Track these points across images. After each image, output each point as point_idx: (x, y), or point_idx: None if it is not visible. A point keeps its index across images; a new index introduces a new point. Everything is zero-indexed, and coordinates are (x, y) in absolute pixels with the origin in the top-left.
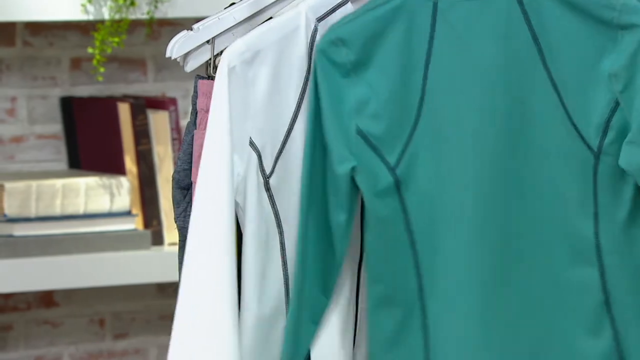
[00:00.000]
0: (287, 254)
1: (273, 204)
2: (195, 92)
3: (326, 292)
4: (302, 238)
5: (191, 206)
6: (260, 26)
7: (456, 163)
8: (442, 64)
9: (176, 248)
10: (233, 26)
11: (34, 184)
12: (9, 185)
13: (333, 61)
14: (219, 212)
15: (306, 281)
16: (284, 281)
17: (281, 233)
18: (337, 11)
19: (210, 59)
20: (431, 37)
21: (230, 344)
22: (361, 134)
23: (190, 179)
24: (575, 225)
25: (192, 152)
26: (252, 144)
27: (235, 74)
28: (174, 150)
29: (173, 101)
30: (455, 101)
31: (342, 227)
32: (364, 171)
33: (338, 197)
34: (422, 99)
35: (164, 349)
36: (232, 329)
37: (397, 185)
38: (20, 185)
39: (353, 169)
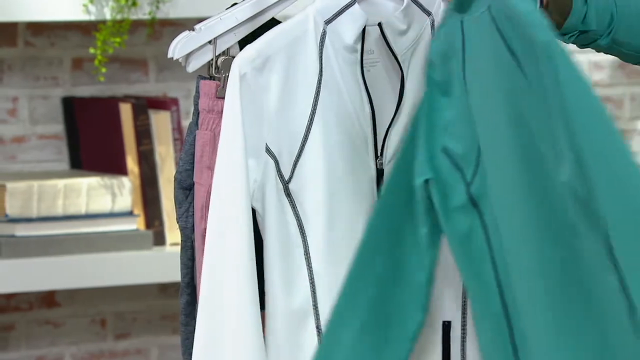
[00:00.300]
0: (311, 258)
1: (294, 208)
2: (197, 92)
3: (418, 308)
4: (388, 254)
5: (193, 206)
6: (269, 32)
7: (510, 180)
8: (472, 82)
9: (178, 248)
10: (235, 26)
11: (35, 184)
12: (10, 185)
13: (434, 80)
14: (236, 218)
15: (394, 298)
16: (310, 282)
17: (304, 238)
18: (344, 13)
19: (212, 59)
20: (463, 55)
21: (254, 346)
22: (445, 151)
23: (193, 179)
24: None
25: (194, 152)
26: (268, 150)
27: (246, 81)
28: (175, 151)
29: (175, 101)
30: (486, 118)
31: (425, 240)
32: (440, 186)
33: (417, 211)
34: (474, 118)
35: (165, 349)
36: (256, 332)
37: (474, 202)
38: (21, 185)
39: (427, 181)
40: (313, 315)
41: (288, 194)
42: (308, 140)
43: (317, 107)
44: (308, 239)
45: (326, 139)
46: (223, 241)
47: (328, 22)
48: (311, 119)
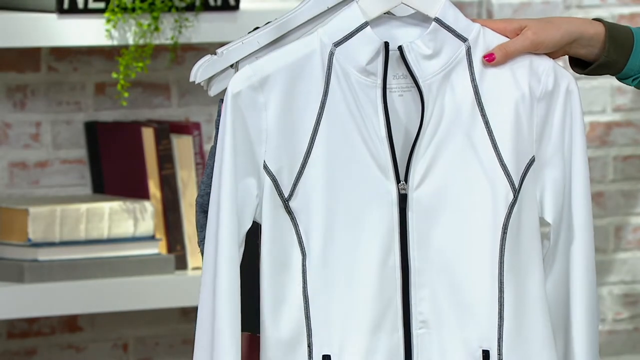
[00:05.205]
0: (307, 275)
1: (296, 226)
2: (219, 115)
3: None
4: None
5: None
6: (272, 52)
7: None
8: None
9: (200, 272)
10: (257, 50)
11: (58, 208)
12: (33, 210)
13: None
14: (219, 234)
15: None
16: (304, 306)
17: (304, 255)
18: (356, 36)
19: None
20: None
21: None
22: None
23: None
24: None
25: None
26: (265, 167)
27: (239, 99)
28: (197, 175)
29: (197, 126)
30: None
31: None
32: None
33: None
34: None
35: None
36: (229, 347)
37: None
38: (44, 210)
39: None
40: (305, 335)
41: (289, 212)
42: (309, 160)
43: (320, 128)
44: (307, 257)
45: (329, 159)
46: (208, 258)
47: (337, 44)
48: (313, 138)
